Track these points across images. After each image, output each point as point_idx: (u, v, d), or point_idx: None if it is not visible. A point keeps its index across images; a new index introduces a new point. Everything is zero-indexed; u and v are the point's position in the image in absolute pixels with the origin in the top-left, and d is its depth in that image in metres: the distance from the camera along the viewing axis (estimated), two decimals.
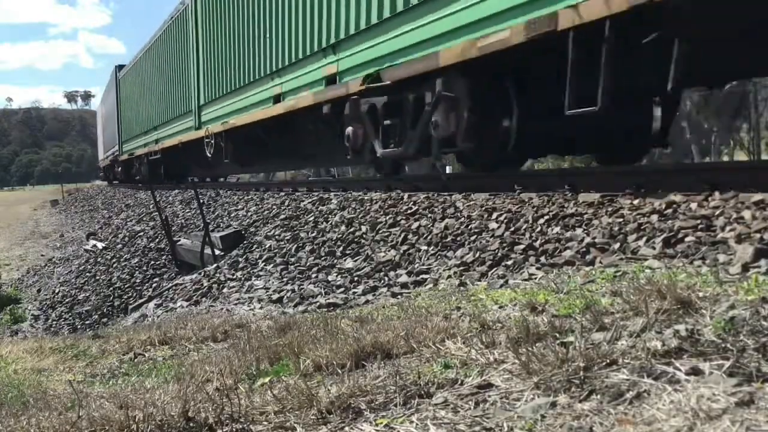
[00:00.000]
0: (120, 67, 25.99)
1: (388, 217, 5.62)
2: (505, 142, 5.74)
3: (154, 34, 19.18)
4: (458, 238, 4.54)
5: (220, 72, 12.79)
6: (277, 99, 9.85)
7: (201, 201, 10.10)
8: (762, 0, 3.85)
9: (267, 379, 2.06)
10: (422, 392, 1.67)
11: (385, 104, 6.83)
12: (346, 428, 1.56)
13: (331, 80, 8.07)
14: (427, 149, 6.50)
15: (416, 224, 5.14)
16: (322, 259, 5.67)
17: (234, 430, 1.65)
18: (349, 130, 7.59)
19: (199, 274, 7.32)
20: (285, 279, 5.62)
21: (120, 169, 26.91)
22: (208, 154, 13.14)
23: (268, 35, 10.00)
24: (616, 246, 3.36)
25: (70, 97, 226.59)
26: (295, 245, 6.37)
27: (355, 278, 4.88)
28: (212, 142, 13.00)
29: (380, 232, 5.45)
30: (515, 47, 4.87)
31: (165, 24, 17.54)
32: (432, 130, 6.07)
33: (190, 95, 15.07)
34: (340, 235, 5.92)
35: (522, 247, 3.91)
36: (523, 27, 4.71)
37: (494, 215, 4.52)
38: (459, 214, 4.87)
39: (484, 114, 5.69)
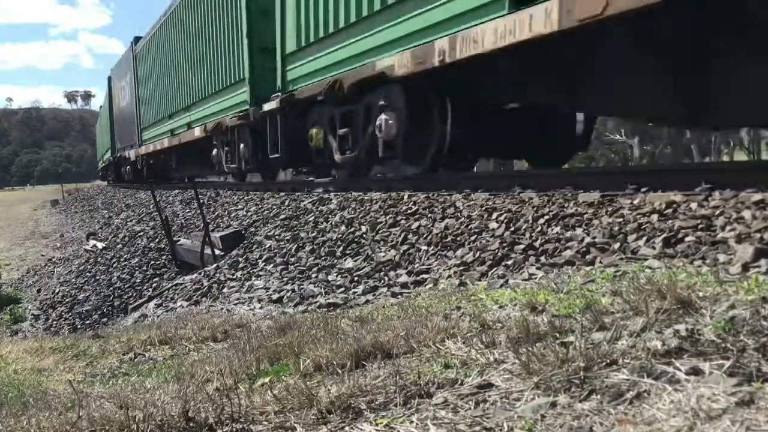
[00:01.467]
0: None
1: (388, 217, 5.61)
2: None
3: None
4: (458, 238, 4.53)
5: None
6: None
7: (201, 201, 10.10)
8: None
9: (267, 379, 2.05)
10: (422, 392, 1.66)
11: None
12: (346, 428, 1.56)
13: None
14: None
15: (416, 224, 5.14)
16: (322, 259, 5.66)
17: (234, 430, 1.65)
18: None
19: (199, 274, 7.32)
20: (285, 279, 5.62)
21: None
22: None
23: None
24: (616, 246, 3.36)
25: (70, 97, 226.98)
26: (295, 245, 6.36)
27: (355, 278, 4.87)
28: None
29: (380, 232, 5.44)
30: None
31: None
32: None
33: None
34: (340, 235, 5.91)
35: (522, 246, 3.91)
36: None
37: (494, 215, 4.52)
38: (459, 214, 4.87)
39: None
